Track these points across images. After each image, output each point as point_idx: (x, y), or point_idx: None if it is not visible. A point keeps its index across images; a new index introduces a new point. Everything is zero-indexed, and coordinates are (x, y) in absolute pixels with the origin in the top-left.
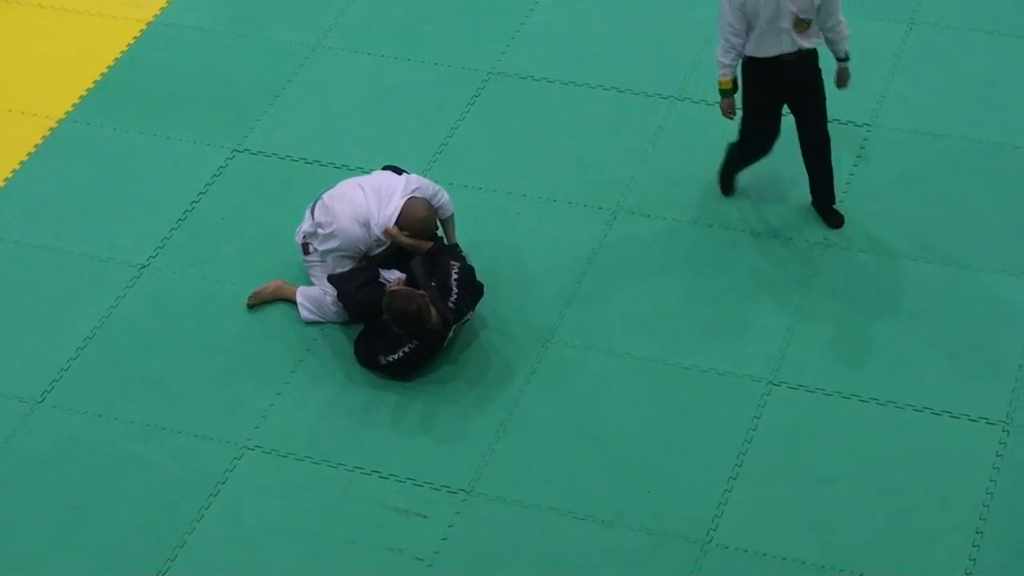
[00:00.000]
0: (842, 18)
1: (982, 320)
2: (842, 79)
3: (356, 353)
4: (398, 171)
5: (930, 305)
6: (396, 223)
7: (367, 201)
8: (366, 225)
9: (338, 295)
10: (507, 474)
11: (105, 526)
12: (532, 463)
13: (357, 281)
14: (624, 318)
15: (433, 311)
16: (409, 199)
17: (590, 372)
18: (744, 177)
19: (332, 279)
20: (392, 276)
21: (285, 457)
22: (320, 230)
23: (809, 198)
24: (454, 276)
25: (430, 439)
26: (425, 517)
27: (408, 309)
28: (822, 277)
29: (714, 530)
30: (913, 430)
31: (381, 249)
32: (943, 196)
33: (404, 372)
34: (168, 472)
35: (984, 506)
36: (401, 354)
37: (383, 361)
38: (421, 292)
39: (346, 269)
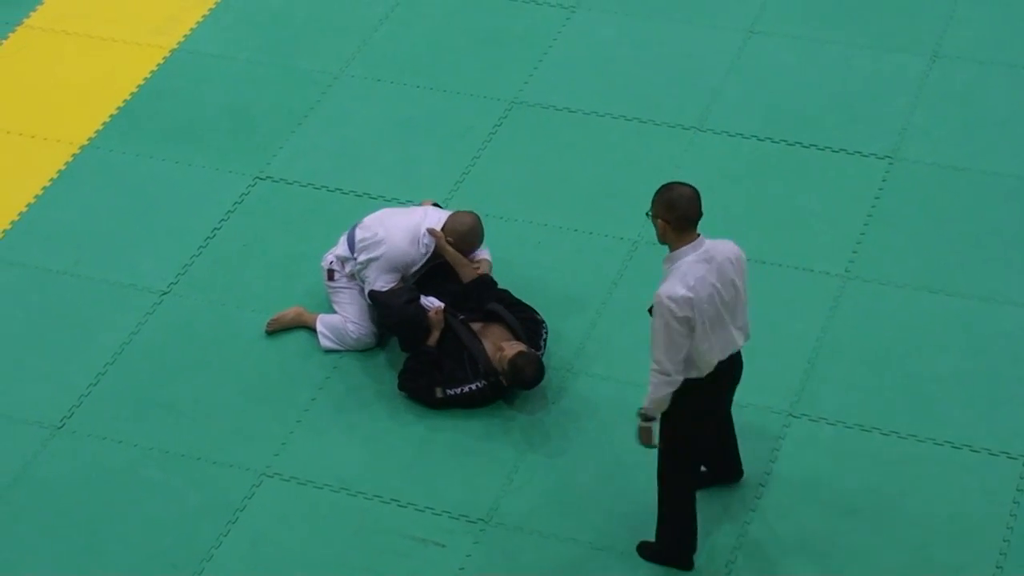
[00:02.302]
0: (653, 363)
1: (1004, 353)
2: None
3: (402, 384)
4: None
5: (951, 338)
6: (442, 228)
7: (416, 219)
8: (416, 241)
9: (381, 309)
10: (526, 504)
11: (123, 552)
12: (551, 493)
13: (402, 297)
14: (645, 349)
15: None
16: (458, 211)
17: (610, 402)
18: (761, 208)
19: (374, 294)
20: (430, 303)
21: (304, 485)
22: (362, 244)
23: None
24: (544, 336)
25: (449, 468)
26: (443, 546)
27: (540, 377)
28: (843, 309)
29: (732, 562)
30: (934, 464)
31: (418, 267)
32: (964, 229)
33: (463, 407)
34: (187, 499)
35: (1004, 540)
36: (467, 390)
37: (440, 394)
38: (538, 353)
39: (386, 285)
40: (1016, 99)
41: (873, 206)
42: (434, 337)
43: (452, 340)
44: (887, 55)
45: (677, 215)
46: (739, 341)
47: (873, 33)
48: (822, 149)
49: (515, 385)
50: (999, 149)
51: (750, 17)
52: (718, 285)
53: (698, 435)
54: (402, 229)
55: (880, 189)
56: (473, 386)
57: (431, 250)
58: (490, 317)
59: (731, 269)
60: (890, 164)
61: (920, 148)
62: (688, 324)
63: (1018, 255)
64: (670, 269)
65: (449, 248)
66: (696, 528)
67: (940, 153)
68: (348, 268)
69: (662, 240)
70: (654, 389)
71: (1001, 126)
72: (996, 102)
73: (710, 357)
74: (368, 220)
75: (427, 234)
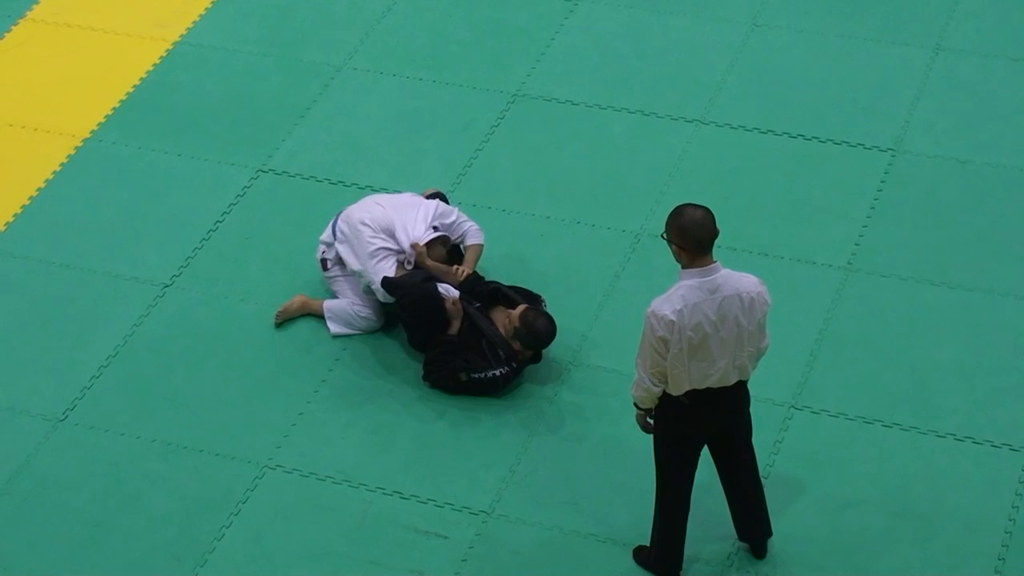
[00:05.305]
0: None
1: (1006, 346)
2: None
3: (426, 375)
4: (440, 196)
5: (953, 330)
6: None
7: (385, 213)
8: (390, 234)
9: (398, 292)
10: (528, 496)
11: (126, 544)
12: (554, 485)
13: (419, 276)
14: None
15: None
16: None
17: (613, 394)
18: (764, 201)
19: (388, 281)
20: (446, 291)
21: (307, 477)
22: (341, 237)
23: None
24: (544, 307)
25: (452, 460)
26: (446, 538)
27: (552, 328)
28: (845, 301)
29: (735, 554)
30: (936, 455)
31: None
32: (967, 221)
33: (484, 392)
34: (189, 491)
35: (1007, 532)
36: (491, 375)
37: (464, 378)
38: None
39: (391, 269)
40: (1019, 92)
41: (876, 199)
42: (455, 327)
43: (470, 329)
44: (890, 48)
45: (690, 241)
46: (730, 378)
47: (876, 26)
48: (825, 142)
49: (530, 342)
50: (1002, 142)
51: (753, 10)
52: (713, 318)
53: (672, 463)
54: (362, 223)
55: (883, 182)
56: (497, 372)
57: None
58: (491, 299)
59: (737, 306)
60: (893, 157)
61: (923, 141)
62: (665, 344)
63: (1021, 247)
64: (672, 287)
65: (430, 261)
66: (682, 544)
67: (943, 146)
68: (333, 254)
69: (677, 261)
70: (634, 387)
71: (1004, 119)
72: (999, 95)
73: (680, 381)
74: (347, 212)
75: (392, 238)
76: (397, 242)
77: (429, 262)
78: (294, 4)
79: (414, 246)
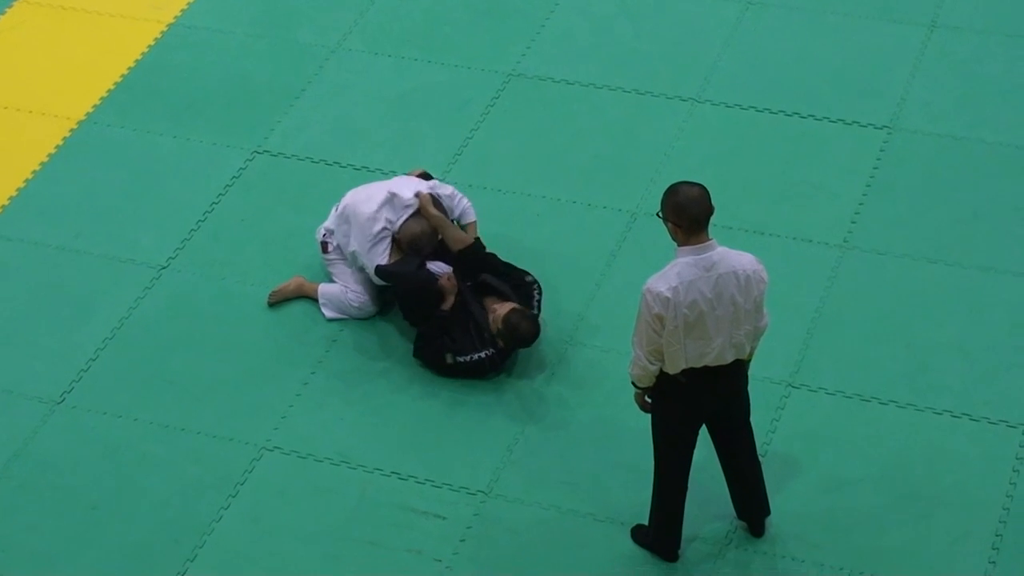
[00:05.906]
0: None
1: (1002, 323)
2: None
3: (416, 351)
4: (428, 176)
5: (949, 308)
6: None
7: (383, 189)
8: (387, 203)
9: (395, 280)
10: (526, 476)
11: (124, 527)
12: (551, 465)
13: (412, 264)
14: None
15: None
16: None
17: (610, 374)
18: (760, 179)
19: (382, 269)
20: (439, 268)
21: (304, 458)
22: (337, 226)
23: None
24: (536, 298)
25: (449, 440)
26: (444, 518)
27: (535, 331)
28: (841, 280)
29: (733, 532)
30: (933, 433)
31: (404, 217)
32: (963, 199)
33: (471, 375)
34: (187, 473)
35: (1004, 509)
36: (476, 358)
37: (450, 360)
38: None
39: (385, 255)
40: (1015, 69)
41: (872, 176)
42: (449, 302)
43: (460, 307)
44: (886, 25)
45: (686, 219)
46: (727, 356)
47: (871, 3)
48: (820, 119)
49: (512, 344)
50: (998, 119)
51: None
52: (709, 296)
53: (670, 443)
54: (362, 198)
55: (879, 159)
56: (483, 354)
57: (404, 207)
58: (480, 289)
59: (733, 284)
60: (889, 134)
61: (919, 118)
62: (660, 322)
63: (1017, 225)
64: (668, 265)
65: (434, 211)
66: (680, 524)
67: (939, 123)
68: (336, 241)
69: (673, 239)
70: (631, 365)
71: (1000, 96)
72: (995, 72)
73: (676, 359)
74: (348, 194)
75: (392, 195)
76: (398, 202)
77: (432, 210)
78: None
79: (419, 195)
